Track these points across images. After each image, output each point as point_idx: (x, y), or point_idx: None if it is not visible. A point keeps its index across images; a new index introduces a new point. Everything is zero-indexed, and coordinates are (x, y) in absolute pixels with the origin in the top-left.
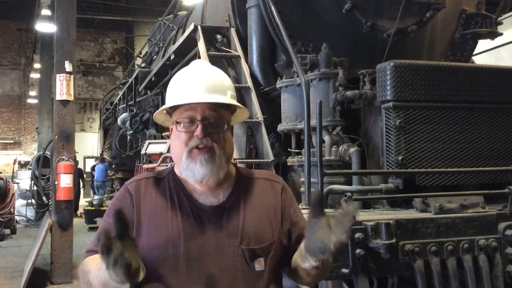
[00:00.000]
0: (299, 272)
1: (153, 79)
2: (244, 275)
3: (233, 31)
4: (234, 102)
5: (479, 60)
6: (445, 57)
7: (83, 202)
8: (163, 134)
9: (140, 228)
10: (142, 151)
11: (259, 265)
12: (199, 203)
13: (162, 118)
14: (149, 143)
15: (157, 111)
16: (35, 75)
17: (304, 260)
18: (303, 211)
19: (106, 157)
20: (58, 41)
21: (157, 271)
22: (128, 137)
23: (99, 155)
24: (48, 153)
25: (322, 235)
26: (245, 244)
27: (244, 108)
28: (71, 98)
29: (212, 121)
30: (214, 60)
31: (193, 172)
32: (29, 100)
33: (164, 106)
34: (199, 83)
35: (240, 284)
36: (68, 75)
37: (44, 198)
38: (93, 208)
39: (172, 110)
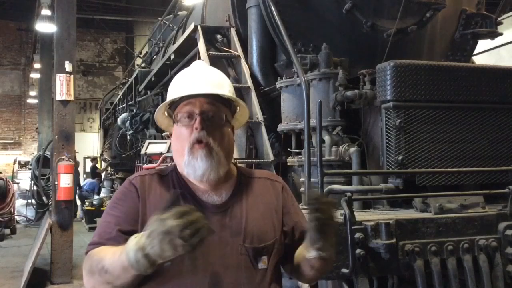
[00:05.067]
0: (302, 266)
1: (153, 79)
2: (248, 274)
3: (233, 31)
4: (232, 95)
5: (479, 60)
6: (445, 57)
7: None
8: (163, 134)
9: (146, 225)
10: (142, 151)
11: (263, 263)
12: (202, 202)
13: (166, 123)
14: (149, 143)
15: (157, 110)
16: (35, 75)
17: (308, 250)
18: (303, 212)
19: (104, 161)
20: (58, 41)
21: (162, 268)
22: (128, 137)
23: (91, 159)
24: (48, 153)
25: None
26: (249, 242)
27: (243, 106)
28: (71, 98)
29: (211, 114)
30: (214, 60)
31: (194, 168)
32: (29, 100)
33: (162, 103)
34: (198, 79)
35: (244, 282)
36: (68, 75)
37: (44, 198)
38: (93, 208)
39: (174, 112)
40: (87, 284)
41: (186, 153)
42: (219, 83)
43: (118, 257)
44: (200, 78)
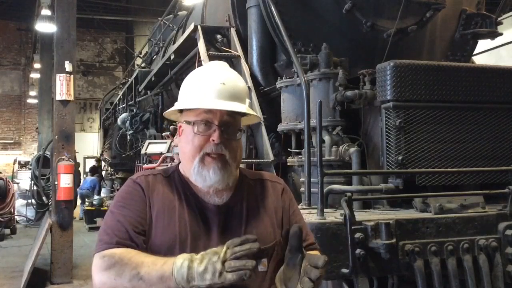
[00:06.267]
0: None
1: (153, 79)
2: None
3: (233, 31)
4: (252, 111)
5: (479, 60)
6: (445, 57)
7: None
8: (163, 134)
9: (152, 224)
10: (142, 151)
11: (263, 266)
12: (204, 202)
13: (170, 111)
14: (149, 143)
15: (171, 109)
16: (35, 75)
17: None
18: (303, 211)
19: (104, 161)
20: (58, 41)
21: None
22: (128, 137)
23: (95, 160)
24: (48, 153)
25: (294, 276)
26: None
27: (256, 116)
28: (71, 98)
29: (229, 127)
30: (214, 60)
31: (204, 178)
32: (29, 100)
33: (181, 106)
34: (220, 87)
35: (243, 285)
36: (68, 75)
37: (44, 198)
38: (93, 208)
39: (187, 111)
40: (103, 279)
41: (197, 161)
42: (239, 94)
43: (159, 266)
44: (223, 87)
